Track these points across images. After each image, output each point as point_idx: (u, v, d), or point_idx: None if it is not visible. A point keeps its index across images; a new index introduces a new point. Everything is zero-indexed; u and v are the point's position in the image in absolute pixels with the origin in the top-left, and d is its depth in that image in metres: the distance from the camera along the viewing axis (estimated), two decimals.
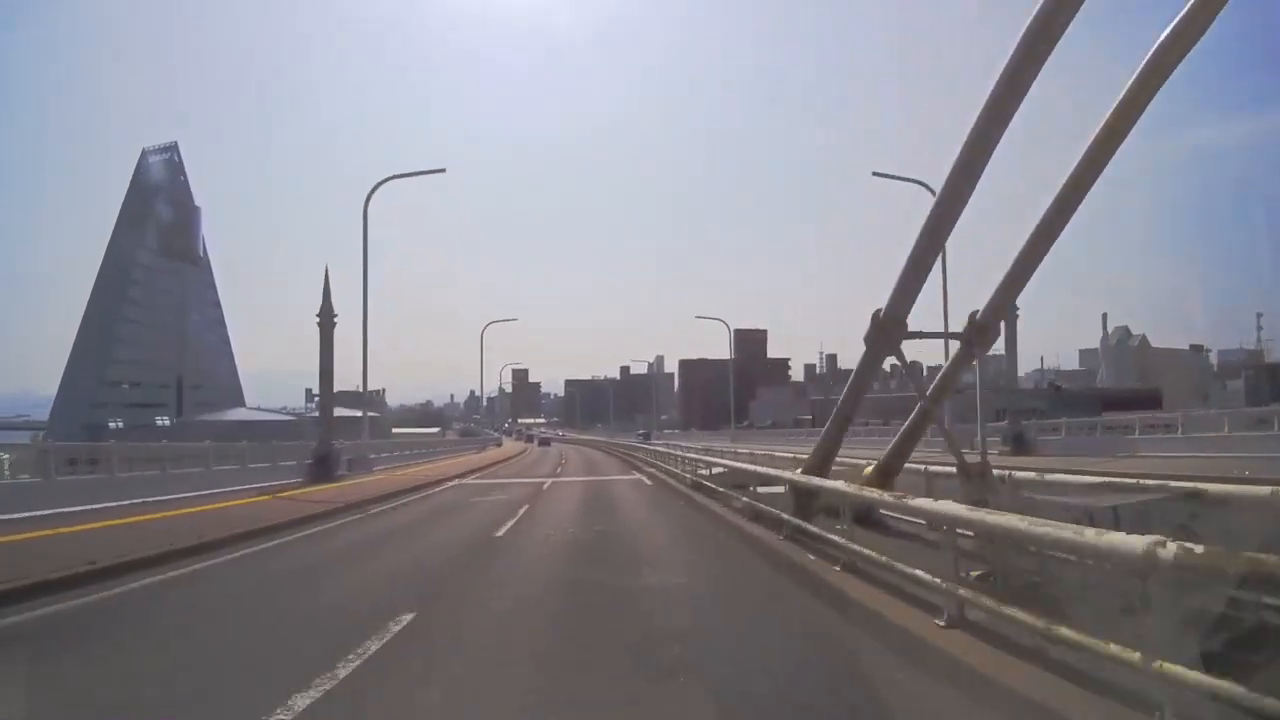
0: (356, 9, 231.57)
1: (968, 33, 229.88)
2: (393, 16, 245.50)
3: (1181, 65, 5.93)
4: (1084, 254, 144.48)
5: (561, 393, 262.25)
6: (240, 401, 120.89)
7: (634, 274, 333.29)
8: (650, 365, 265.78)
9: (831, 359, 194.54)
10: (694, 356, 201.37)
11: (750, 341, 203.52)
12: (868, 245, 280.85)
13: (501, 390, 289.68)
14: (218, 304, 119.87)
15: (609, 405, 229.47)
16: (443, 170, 28.60)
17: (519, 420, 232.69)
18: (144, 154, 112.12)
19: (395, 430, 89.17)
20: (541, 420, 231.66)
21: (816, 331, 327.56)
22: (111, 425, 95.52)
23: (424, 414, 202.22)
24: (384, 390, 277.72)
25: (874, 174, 27.57)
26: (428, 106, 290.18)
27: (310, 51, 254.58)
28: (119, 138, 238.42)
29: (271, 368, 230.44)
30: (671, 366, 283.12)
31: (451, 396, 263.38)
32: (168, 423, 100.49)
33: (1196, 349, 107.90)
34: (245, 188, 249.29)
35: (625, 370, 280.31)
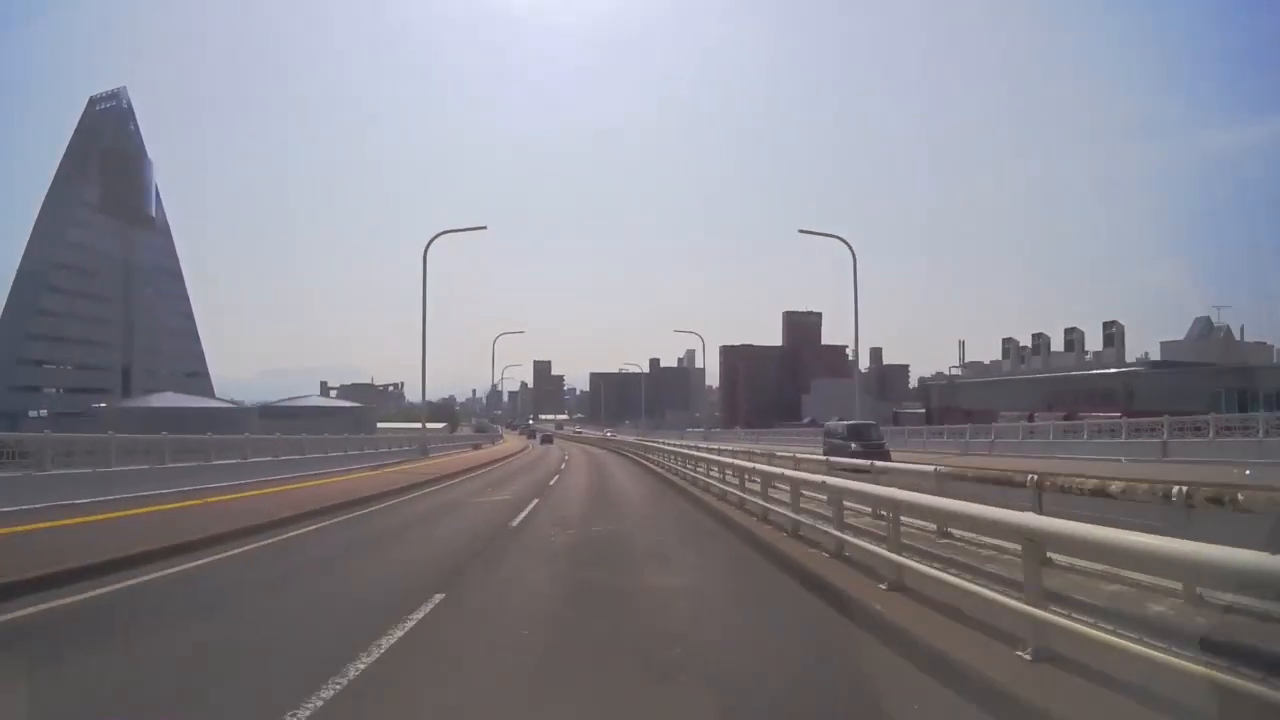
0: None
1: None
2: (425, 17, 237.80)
3: None
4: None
5: (587, 387, 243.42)
6: (208, 389, 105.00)
7: (664, 265, 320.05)
8: (680, 360, 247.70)
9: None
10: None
11: (802, 326, 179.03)
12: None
13: (524, 386, 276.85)
14: (179, 275, 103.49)
15: (636, 400, 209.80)
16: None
17: (540, 416, 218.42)
18: (90, 102, 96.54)
19: (381, 425, 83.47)
20: (564, 416, 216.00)
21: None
22: (33, 414, 79.91)
23: (438, 410, 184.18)
24: (403, 384, 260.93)
25: None
26: (445, 107, 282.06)
27: (344, 65, 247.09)
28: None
29: (288, 366, 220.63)
30: (703, 361, 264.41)
31: (474, 392, 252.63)
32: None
33: None
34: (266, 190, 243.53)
35: (655, 363, 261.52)
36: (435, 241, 31.48)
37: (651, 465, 27.74)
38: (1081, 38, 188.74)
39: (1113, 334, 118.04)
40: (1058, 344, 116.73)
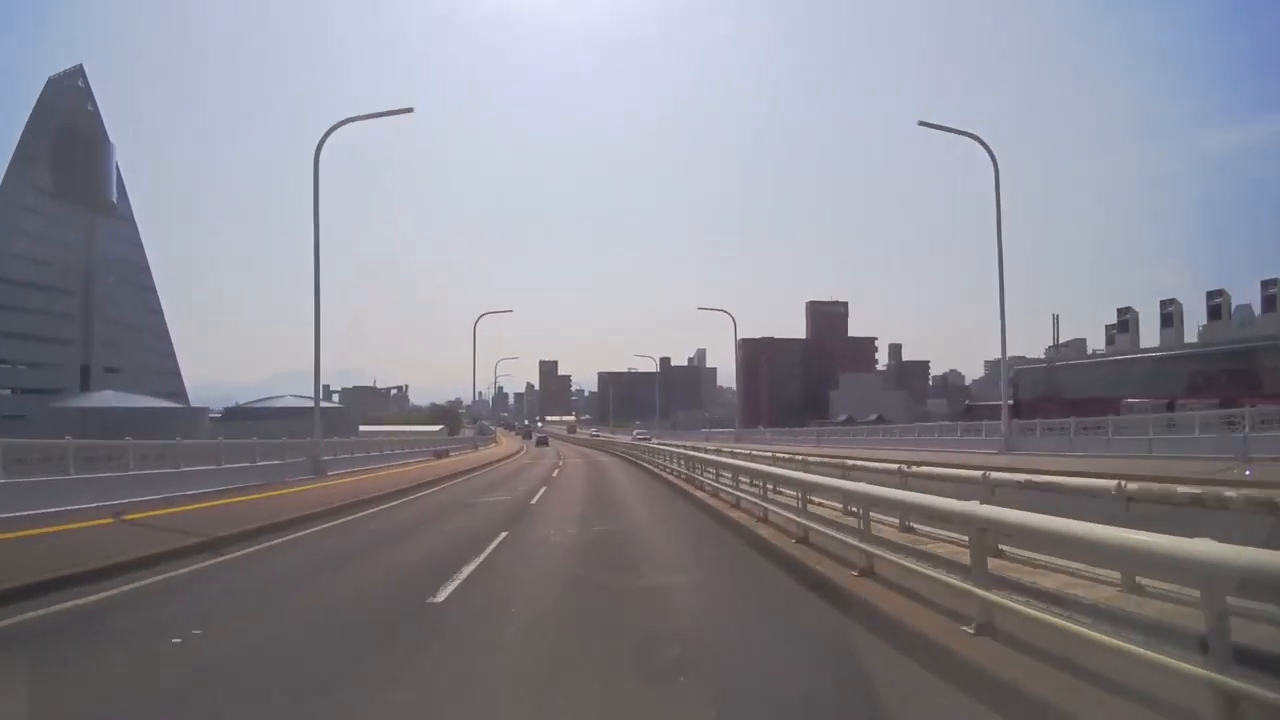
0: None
1: None
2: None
3: None
4: None
5: (595, 387, 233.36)
6: (178, 389, 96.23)
7: (674, 263, 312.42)
8: (691, 359, 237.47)
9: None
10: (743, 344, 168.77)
11: (827, 317, 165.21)
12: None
13: (530, 386, 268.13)
14: (144, 267, 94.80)
15: (646, 401, 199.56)
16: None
17: (547, 418, 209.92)
18: (49, 83, 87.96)
19: (364, 428, 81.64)
20: (571, 417, 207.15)
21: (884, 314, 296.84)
22: None
23: (441, 412, 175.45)
24: (406, 387, 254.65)
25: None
26: (446, 105, 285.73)
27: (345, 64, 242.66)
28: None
29: (302, 368, 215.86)
30: (715, 360, 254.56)
31: (479, 394, 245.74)
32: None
33: None
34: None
35: (665, 362, 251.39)
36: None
37: (691, 489, 17.56)
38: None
39: (1170, 314, 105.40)
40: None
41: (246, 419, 70.04)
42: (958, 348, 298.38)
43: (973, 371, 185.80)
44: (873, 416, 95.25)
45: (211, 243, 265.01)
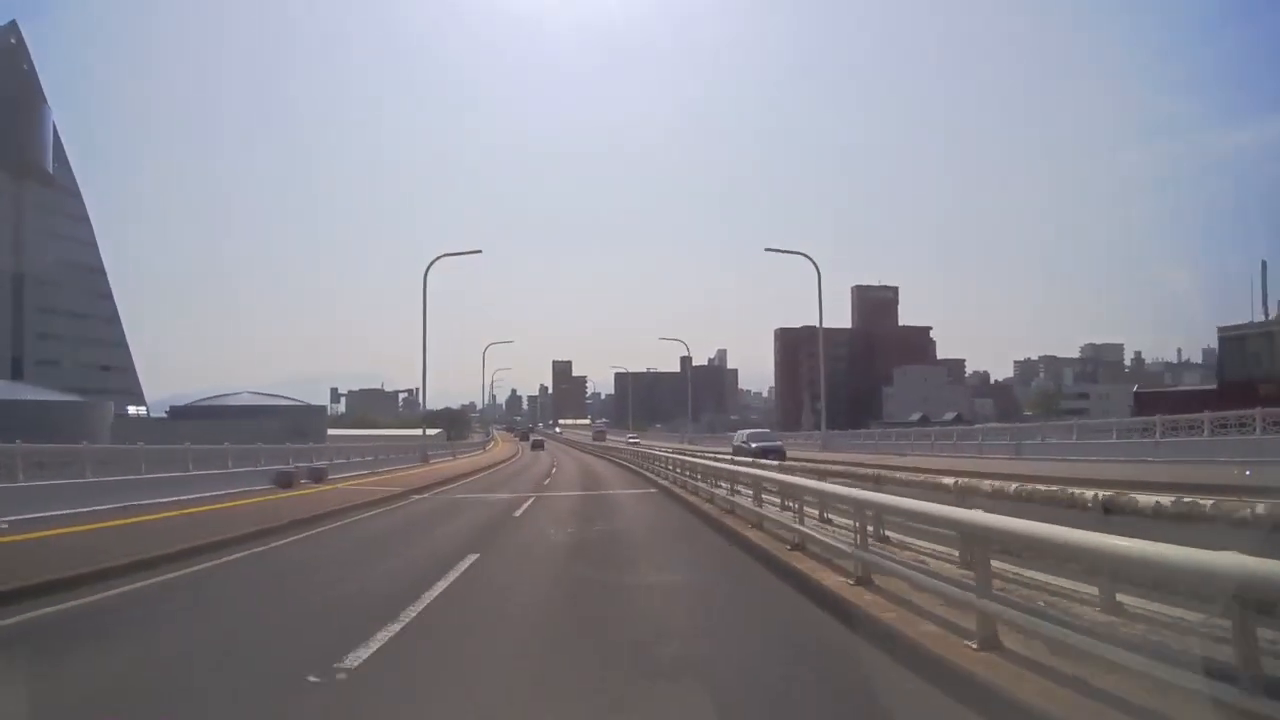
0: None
1: None
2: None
3: None
4: None
5: (611, 390, 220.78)
6: (132, 384, 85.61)
7: (692, 262, 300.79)
8: (711, 360, 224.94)
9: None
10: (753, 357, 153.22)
11: (876, 303, 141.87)
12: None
13: (543, 389, 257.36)
14: (91, 243, 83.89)
15: (664, 403, 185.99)
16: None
17: (560, 421, 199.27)
18: None
19: (332, 431, 78.00)
20: (586, 421, 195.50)
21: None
22: None
23: (441, 416, 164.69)
24: (416, 390, 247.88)
25: None
26: (460, 109, 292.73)
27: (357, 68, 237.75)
28: None
29: (316, 371, 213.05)
30: (735, 361, 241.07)
31: (494, 398, 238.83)
32: None
33: None
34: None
35: (686, 361, 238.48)
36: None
37: None
38: None
39: None
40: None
41: (196, 418, 61.98)
42: (984, 347, 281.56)
43: (999, 371, 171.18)
44: (949, 415, 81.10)
45: (222, 250, 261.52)
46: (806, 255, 36.79)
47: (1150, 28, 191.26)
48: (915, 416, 79.63)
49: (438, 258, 36.33)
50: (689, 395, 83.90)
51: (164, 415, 70.50)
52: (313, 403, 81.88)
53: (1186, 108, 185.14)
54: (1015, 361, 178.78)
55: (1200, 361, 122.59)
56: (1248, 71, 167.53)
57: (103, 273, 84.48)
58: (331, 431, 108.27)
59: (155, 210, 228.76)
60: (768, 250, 39.60)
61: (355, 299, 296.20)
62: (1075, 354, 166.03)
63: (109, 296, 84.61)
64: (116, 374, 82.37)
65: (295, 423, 64.18)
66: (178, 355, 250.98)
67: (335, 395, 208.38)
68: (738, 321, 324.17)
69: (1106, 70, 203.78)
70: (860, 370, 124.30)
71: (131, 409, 78.97)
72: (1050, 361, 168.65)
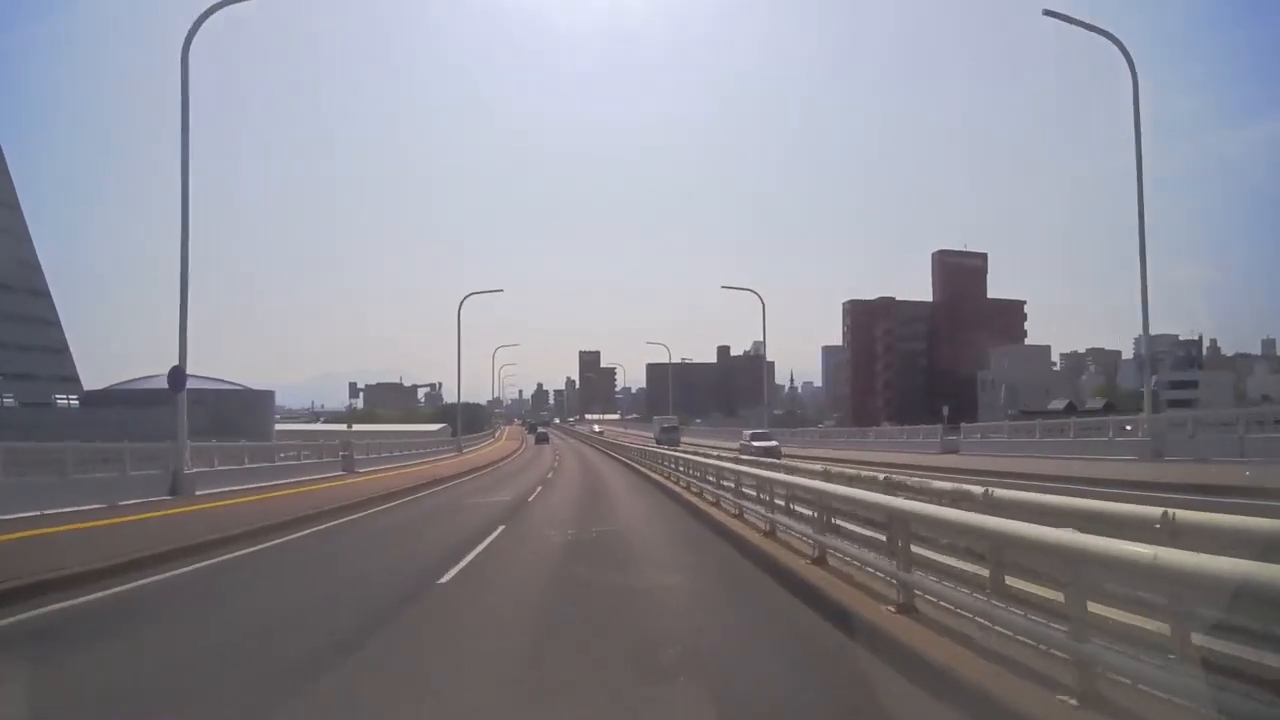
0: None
1: None
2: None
3: None
4: None
5: (643, 383, 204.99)
6: (69, 371, 71.98)
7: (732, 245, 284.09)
8: (747, 351, 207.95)
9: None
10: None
11: (962, 273, 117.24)
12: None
13: (570, 382, 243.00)
14: (21, 228, 69.92)
15: (700, 396, 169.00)
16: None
17: (586, 415, 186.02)
18: None
19: (330, 426, 79.23)
20: (616, 416, 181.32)
21: None
22: None
23: (472, 412, 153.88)
24: (440, 385, 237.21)
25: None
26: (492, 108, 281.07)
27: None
28: None
29: (346, 369, 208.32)
30: (773, 355, 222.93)
31: (520, 392, 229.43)
32: None
33: None
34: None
35: (724, 351, 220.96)
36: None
37: None
38: None
39: None
40: None
41: (115, 404, 53.60)
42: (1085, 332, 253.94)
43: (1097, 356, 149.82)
44: (1057, 404, 63.36)
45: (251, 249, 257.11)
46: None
47: None
48: (1060, 403, 61.87)
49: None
50: (762, 383, 67.05)
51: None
52: (255, 387, 67.05)
53: None
54: (1134, 338, 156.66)
55: None
56: None
57: (34, 265, 70.36)
58: (328, 426, 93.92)
59: (199, 214, 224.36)
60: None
61: (379, 294, 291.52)
62: (1127, 346, 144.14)
63: (45, 293, 70.71)
64: (41, 356, 68.27)
65: (226, 414, 49.58)
66: (209, 358, 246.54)
67: (354, 390, 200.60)
68: (772, 309, 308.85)
69: None
70: (943, 351, 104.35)
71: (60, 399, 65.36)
72: (1098, 354, 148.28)
